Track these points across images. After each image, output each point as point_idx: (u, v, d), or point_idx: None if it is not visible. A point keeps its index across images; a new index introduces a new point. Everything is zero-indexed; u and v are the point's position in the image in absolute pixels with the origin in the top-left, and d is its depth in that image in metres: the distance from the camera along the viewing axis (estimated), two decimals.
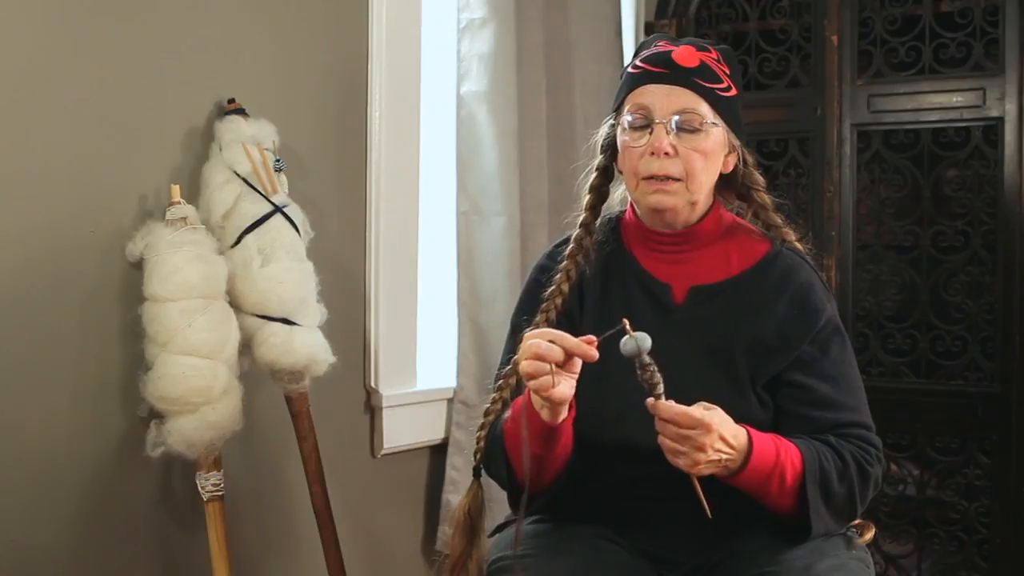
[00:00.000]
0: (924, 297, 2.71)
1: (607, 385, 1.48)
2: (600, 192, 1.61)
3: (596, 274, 1.57)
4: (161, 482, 1.76)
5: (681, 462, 1.34)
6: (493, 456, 1.54)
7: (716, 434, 1.33)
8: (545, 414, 1.37)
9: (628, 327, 1.30)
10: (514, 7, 2.43)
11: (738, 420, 1.39)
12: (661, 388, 1.32)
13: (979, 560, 2.66)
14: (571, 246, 1.58)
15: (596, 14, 2.80)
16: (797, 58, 2.83)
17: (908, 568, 2.73)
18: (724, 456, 1.35)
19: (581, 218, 1.59)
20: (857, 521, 1.52)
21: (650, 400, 1.33)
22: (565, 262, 1.56)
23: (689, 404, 1.35)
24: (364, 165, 2.16)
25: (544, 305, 1.55)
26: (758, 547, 1.43)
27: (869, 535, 1.52)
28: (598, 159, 1.61)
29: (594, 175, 1.61)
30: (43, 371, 1.59)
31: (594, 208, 1.60)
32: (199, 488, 1.69)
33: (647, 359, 1.31)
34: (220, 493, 1.70)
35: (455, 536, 1.58)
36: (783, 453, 1.40)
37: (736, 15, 2.93)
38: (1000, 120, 2.61)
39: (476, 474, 1.60)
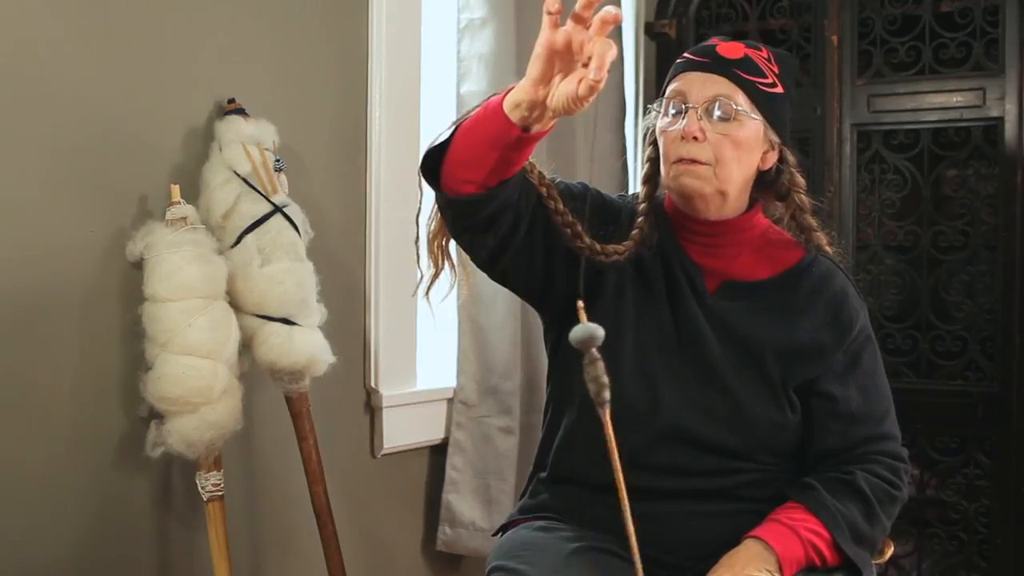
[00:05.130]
0: (924, 297, 2.71)
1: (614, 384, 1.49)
2: (654, 182, 1.60)
3: (647, 254, 1.55)
4: (161, 482, 1.76)
5: None
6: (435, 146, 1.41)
7: None
8: (522, 113, 1.28)
9: (582, 311, 1.06)
10: (514, 7, 2.43)
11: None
12: (607, 394, 1.05)
13: (979, 560, 2.66)
14: (635, 231, 1.55)
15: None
16: (797, 58, 2.83)
17: (908, 568, 2.73)
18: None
19: (641, 207, 1.58)
20: None
21: None
22: (629, 242, 1.54)
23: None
24: (364, 165, 2.16)
25: (611, 243, 1.51)
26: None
27: (889, 551, 1.53)
28: (647, 150, 1.61)
29: (647, 166, 1.61)
30: (43, 371, 1.59)
31: (650, 199, 1.59)
32: (199, 488, 1.69)
33: (596, 353, 1.04)
34: (220, 493, 1.70)
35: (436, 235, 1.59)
36: (803, 532, 1.40)
37: (736, 15, 2.93)
38: (1000, 120, 2.61)
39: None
